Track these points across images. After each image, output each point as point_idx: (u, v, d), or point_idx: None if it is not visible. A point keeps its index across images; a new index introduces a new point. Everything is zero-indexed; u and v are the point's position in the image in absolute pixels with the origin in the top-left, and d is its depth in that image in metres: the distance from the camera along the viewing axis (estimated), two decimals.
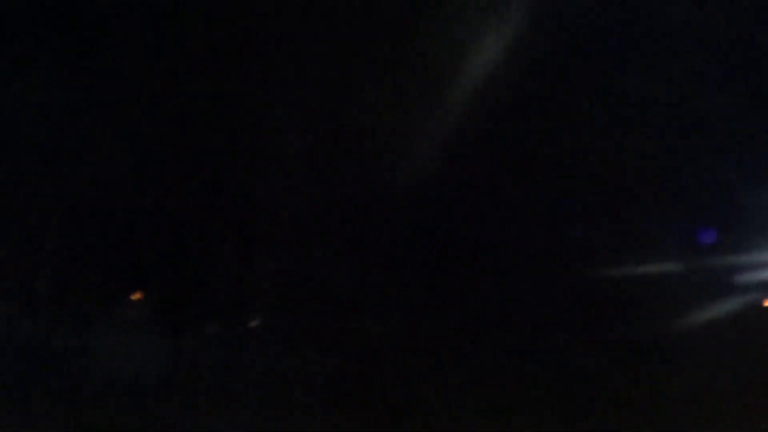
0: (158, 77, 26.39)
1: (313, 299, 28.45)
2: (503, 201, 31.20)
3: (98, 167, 27.73)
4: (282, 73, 26.66)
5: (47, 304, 27.68)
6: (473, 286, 30.39)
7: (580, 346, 29.12)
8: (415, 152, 28.04)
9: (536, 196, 30.47)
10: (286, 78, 26.68)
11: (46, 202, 27.70)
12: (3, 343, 27.23)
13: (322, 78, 26.83)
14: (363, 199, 28.74)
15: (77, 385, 27.02)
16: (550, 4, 27.49)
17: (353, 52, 26.09)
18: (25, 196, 27.79)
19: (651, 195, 30.32)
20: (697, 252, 30.67)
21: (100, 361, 28.56)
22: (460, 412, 25.93)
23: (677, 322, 29.08)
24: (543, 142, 29.58)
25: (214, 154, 27.59)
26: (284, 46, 26.64)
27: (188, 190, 29.09)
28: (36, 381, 24.88)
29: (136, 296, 38.33)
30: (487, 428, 23.77)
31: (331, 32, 26.27)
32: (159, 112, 27.50)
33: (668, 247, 30.21)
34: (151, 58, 26.45)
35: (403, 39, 26.18)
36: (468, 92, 27.23)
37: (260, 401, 25.15)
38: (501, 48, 27.53)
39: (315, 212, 27.80)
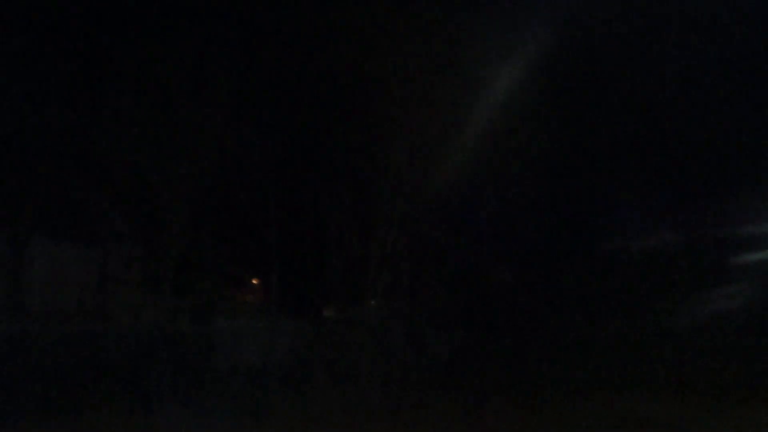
0: None
1: (431, 280, 28.89)
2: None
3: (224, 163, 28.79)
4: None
5: (172, 291, 28.76)
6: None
7: None
8: None
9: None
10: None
11: (172, 194, 28.69)
12: (132, 331, 28.59)
13: None
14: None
15: (203, 368, 28.30)
16: None
17: None
18: (152, 190, 28.91)
19: None
20: None
21: (224, 345, 29.77)
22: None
23: None
24: None
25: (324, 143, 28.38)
26: None
27: (305, 180, 29.98)
28: (166, 365, 25.93)
29: (257, 281, 39.57)
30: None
31: None
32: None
33: None
34: None
35: None
36: None
37: (382, 379, 25.69)
38: None
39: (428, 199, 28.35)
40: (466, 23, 26.76)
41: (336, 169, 28.83)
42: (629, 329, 30.64)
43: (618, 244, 33.33)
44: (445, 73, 26.73)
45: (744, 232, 31.03)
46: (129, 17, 31.19)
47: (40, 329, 31.83)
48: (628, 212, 32.93)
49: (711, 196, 31.59)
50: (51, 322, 33.55)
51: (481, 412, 23.07)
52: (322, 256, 29.52)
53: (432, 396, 24.95)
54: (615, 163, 31.26)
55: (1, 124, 35.36)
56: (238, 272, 40.36)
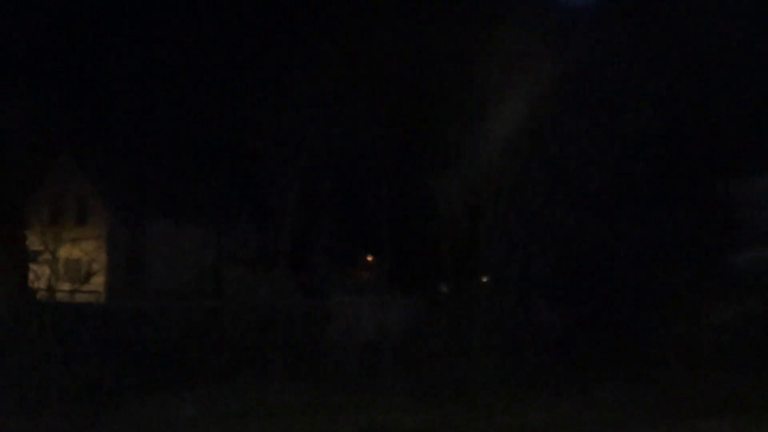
0: None
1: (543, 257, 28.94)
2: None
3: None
4: None
5: (287, 269, 29.36)
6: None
7: None
8: None
9: None
10: None
11: (286, 172, 29.25)
12: (247, 308, 29.28)
13: None
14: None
15: (318, 344, 28.88)
16: None
17: None
18: (266, 168, 29.54)
19: None
20: None
21: (338, 321, 30.32)
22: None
23: None
24: None
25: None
26: None
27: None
28: (281, 341, 26.53)
29: (370, 259, 40.08)
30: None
31: None
32: None
33: None
34: None
35: None
36: None
37: (495, 353, 25.86)
38: None
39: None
40: None
41: (445, 145, 29.06)
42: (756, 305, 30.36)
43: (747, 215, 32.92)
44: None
45: None
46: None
47: (158, 307, 32.95)
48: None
49: None
50: (169, 301, 34.62)
51: (593, 385, 23.14)
52: (434, 231, 29.77)
53: (544, 370, 25.07)
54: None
55: (118, 111, 36.54)
56: (352, 249, 40.96)
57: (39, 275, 22.44)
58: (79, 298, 29.15)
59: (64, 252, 22.80)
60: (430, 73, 28.99)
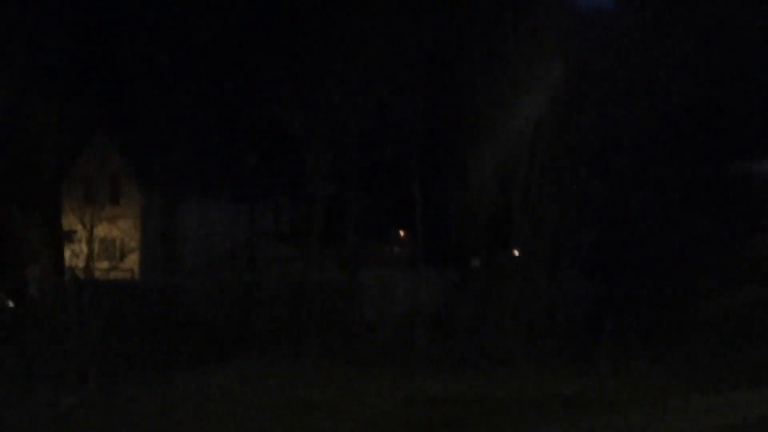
0: None
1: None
2: None
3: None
4: None
5: (320, 243, 29.71)
6: None
7: None
8: None
9: None
10: None
11: (319, 149, 29.54)
12: (281, 282, 29.69)
13: None
14: None
15: (351, 316, 29.29)
16: None
17: None
18: (300, 146, 29.87)
19: None
20: None
21: (371, 294, 30.67)
22: None
23: None
24: None
25: None
26: None
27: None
28: (314, 314, 26.92)
29: (403, 233, 40.26)
30: None
31: None
32: None
33: None
34: None
35: None
36: None
37: (526, 324, 26.17)
38: None
39: None
40: None
41: (476, 119, 29.24)
42: None
43: None
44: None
45: None
46: None
47: (194, 282, 33.41)
48: None
49: None
50: (203, 276, 35.05)
51: (623, 356, 23.39)
52: (466, 205, 30.00)
53: (574, 341, 25.36)
54: None
55: (152, 90, 36.96)
56: (385, 224, 41.25)
57: (76, 254, 22.92)
58: (115, 275, 29.65)
59: (100, 231, 23.22)
60: (463, 49, 29.21)
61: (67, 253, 25.94)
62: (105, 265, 24.54)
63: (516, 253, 28.81)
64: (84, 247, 22.44)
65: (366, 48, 28.20)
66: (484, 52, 28.38)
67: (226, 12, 34.64)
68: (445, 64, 30.35)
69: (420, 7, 28.97)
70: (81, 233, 23.18)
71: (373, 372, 21.58)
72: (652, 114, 27.86)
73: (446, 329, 26.76)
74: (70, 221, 26.35)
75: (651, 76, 27.56)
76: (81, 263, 22.84)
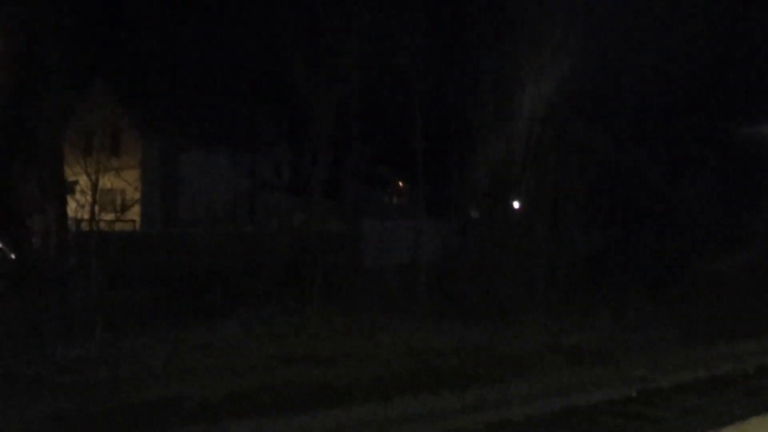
0: None
1: None
2: None
3: None
4: None
5: (321, 194, 29.86)
6: None
7: None
8: None
9: None
10: None
11: (320, 98, 29.56)
12: (283, 233, 29.86)
13: None
14: None
15: (353, 267, 29.49)
16: None
17: None
18: (300, 94, 29.91)
19: None
20: None
21: (372, 245, 30.86)
22: None
23: None
24: None
25: None
26: None
27: None
28: (317, 265, 27.12)
29: (402, 184, 40.54)
30: None
31: None
32: None
33: None
34: None
35: None
36: None
37: (527, 276, 26.37)
38: None
39: None
40: None
41: (478, 66, 29.23)
42: None
43: None
44: None
45: None
46: None
47: (195, 233, 33.62)
48: None
49: None
50: (204, 227, 35.27)
51: (625, 307, 23.64)
52: (466, 155, 30.07)
53: (576, 292, 25.58)
54: None
55: (151, 38, 36.90)
56: (385, 174, 41.46)
57: (81, 205, 23.04)
58: (117, 227, 29.81)
59: (104, 182, 23.32)
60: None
61: (70, 205, 26.03)
62: (109, 216, 24.64)
63: (516, 204, 28.96)
64: (87, 199, 22.50)
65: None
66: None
67: None
68: (451, 9, 30.30)
69: None
70: (83, 184, 23.25)
71: (374, 322, 21.86)
72: (659, 62, 27.87)
73: (447, 279, 26.98)
74: (73, 172, 26.42)
75: (658, 25, 27.56)
76: (84, 215, 22.90)
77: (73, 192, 25.41)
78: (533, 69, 27.44)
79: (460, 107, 30.00)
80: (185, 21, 36.80)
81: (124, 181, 25.71)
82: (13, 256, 33.42)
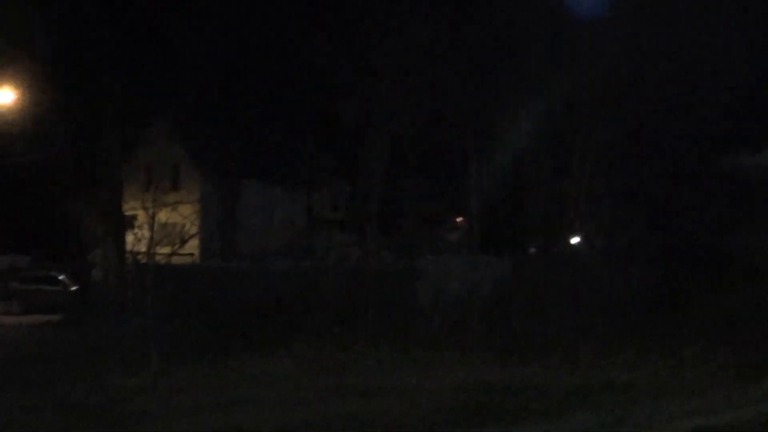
0: None
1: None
2: None
3: None
4: None
5: (377, 230, 30.09)
6: None
7: None
8: None
9: None
10: None
11: (376, 136, 29.87)
12: (338, 268, 30.16)
13: None
14: None
15: (407, 303, 29.65)
16: None
17: None
18: (357, 132, 30.23)
19: None
20: None
21: (426, 280, 31.01)
22: None
23: None
24: None
25: None
26: None
27: None
28: (371, 300, 27.32)
29: (459, 220, 40.57)
30: None
31: None
32: None
33: None
34: None
35: None
36: None
37: (582, 312, 26.32)
38: None
39: None
40: None
41: (532, 109, 29.43)
42: None
43: None
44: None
45: None
46: None
47: (251, 266, 34.03)
48: None
49: None
50: (262, 261, 35.68)
51: (675, 345, 23.47)
52: (522, 193, 30.24)
53: (627, 329, 25.44)
54: None
55: (209, 78, 37.61)
56: (441, 211, 41.61)
57: (138, 239, 23.60)
58: (175, 260, 30.35)
59: (161, 216, 23.84)
60: (517, 36, 29.40)
61: (129, 239, 26.64)
62: (166, 249, 25.13)
63: (573, 240, 29.01)
64: (145, 233, 23.04)
65: (420, 35, 28.51)
66: (539, 39, 28.60)
67: (284, 1, 35.26)
68: (504, 54, 30.54)
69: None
70: (142, 219, 23.83)
71: (426, 357, 22.01)
72: (705, 106, 27.80)
73: (500, 314, 27.04)
74: (131, 207, 27.07)
75: (708, 65, 27.51)
76: (142, 248, 23.43)
77: (132, 226, 25.97)
78: (588, 111, 27.57)
79: (513, 144, 30.24)
80: (244, 61, 37.52)
81: (182, 216, 26.18)
82: (74, 288, 34.27)
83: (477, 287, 29.21)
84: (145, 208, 22.85)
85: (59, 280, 36.25)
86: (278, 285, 30.10)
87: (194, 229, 27.69)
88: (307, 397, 17.78)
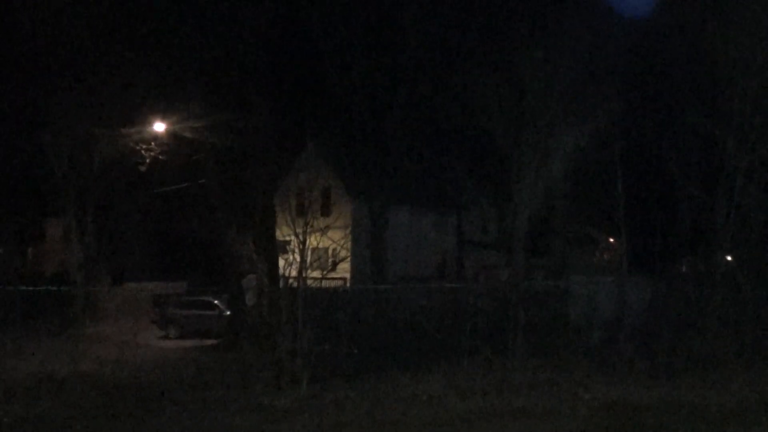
0: None
1: None
2: None
3: None
4: None
5: (527, 251, 30.08)
6: None
7: None
8: None
9: None
10: None
11: (523, 159, 29.94)
12: (489, 289, 30.25)
13: None
14: None
15: (558, 323, 29.57)
16: None
17: None
18: (504, 156, 30.37)
19: None
20: None
21: (577, 301, 30.81)
22: None
23: None
24: None
25: None
26: None
27: None
28: (522, 321, 27.32)
29: (612, 240, 40.11)
30: None
31: None
32: None
33: None
34: None
35: None
36: None
37: (733, 332, 25.75)
38: None
39: None
40: None
41: (680, 125, 29.04)
42: None
43: None
44: None
45: None
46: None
47: (401, 289, 34.43)
48: None
49: None
50: (412, 283, 36.05)
51: None
52: (671, 211, 29.84)
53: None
54: None
55: (359, 102, 38.27)
56: (592, 232, 41.38)
57: (290, 263, 24.15)
58: (326, 284, 30.95)
59: (312, 241, 24.37)
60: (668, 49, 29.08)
61: (281, 263, 27.26)
62: (317, 273, 25.68)
63: (728, 258, 28.39)
64: (297, 257, 23.60)
65: (568, 54, 28.48)
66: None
67: (430, 25, 35.66)
68: (650, 69, 30.26)
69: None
70: (294, 243, 24.39)
71: (576, 377, 21.92)
72: None
73: (651, 334, 26.70)
74: (283, 232, 27.71)
75: None
76: (294, 272, 23.99)
77: (285, 251, 26.59)
78: (735, 122, 26.99)
79: (663, 164, 29.86)
80: (390, 87, 38.07)
81: (331, 240, 26.68)
82: (228, 313, 35.26)
83: (627, 307, 28.94)
84: (296, 234, 23.42)
85: (214, 305, 37.40)
86: (428, 306, 30.40)
87: (344, 253, 28.21)
88: (456, 418, 17.98)
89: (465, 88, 30.79)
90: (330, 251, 28.31)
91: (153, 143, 31.21)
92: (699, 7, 28.14)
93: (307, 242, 23.04)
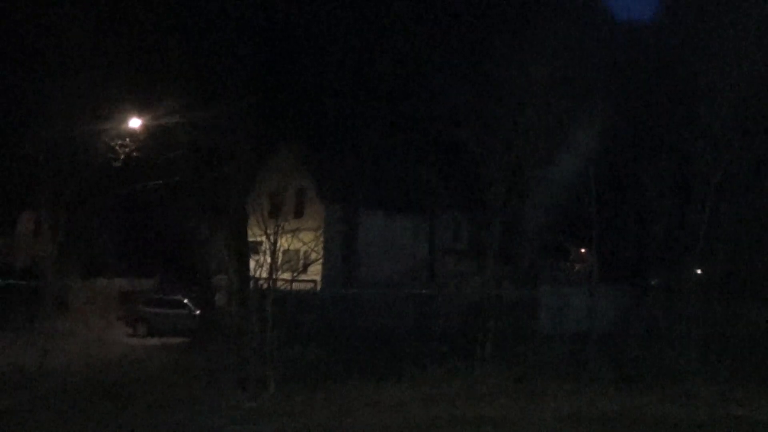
0: None
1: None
2: None
3: None
4: None
5: (497, 258, 30.16)
6: None
7: None
8: None
9: None
10: None
11: (495, 166, 29.98)
12: (458, 296, 30.25)
13: None
14: None
15: (525, 331, 29.61)
16: None
17: None
18: (476, 162, 30.41)
19: None
20: None
21: (546, 310, 30.91)
22: None
23: None
24: None
25: None
26: None
27: None
28: (490, 329, 27.38)
29: (584, 251, 40.26)
30: None
31: None
32: None
33: None
34: None
35: None
36: None
37: (699, 345, 25.90)
38: None
39: None
40: None
41: (654, 139, 29.17)
42: None
43: None
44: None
45: None
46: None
47: (370, 293, 34.41)
48: None
49: None
50: (382, 288, 36.00)
51: None
52: (643, 223, 29.93)
53: (748, 363, 24.91)
54: None
55: (332, 106, 38.26)
56: (563, 242, 41.52)
57: (260, 264, 24.09)
58: (297, 286, 30.92)
59: (283, 243, 24.33)
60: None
61: (251, 264, 27.19)
62: (287, 275, 25.65)
63: (698, 271, 28.55)
64: (268, 258, 23.53)
65: (544, 62, 28.55)
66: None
67: (405, 33, 35.67)
68: (628, 85, 30.39)
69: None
70: (265, 245, 24.31)
71: (543, 387, 21.95)
72: None
73: (619, 346, 26.82)
74: (255, 233, 27.65)
75: None
76: (265, 273, 23.92)
77: (256, 252, 26.54)
78: (708, 137, 27.14)
79: (636, 177, 29.96)
80: (365, 91, 38.10)
81: (303, 242, 26.64)
82: (197, 312, 35.15)
83: (596, 317, 29.04)
84: (267, 235, 23.35)
85: (184, 303, 37.34)
86: (397, 312, 30.40)
87: (314, 256, 28.14)
88: (420, 425, 17.99)
89: (438, 95, 30.88)
90: (301, 253, 28.23)
91: (128, 139, 31.05)
92: (674, 23, 28.34)
93: (279, 244, 22.97)
